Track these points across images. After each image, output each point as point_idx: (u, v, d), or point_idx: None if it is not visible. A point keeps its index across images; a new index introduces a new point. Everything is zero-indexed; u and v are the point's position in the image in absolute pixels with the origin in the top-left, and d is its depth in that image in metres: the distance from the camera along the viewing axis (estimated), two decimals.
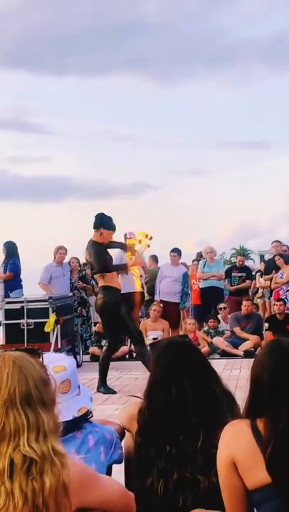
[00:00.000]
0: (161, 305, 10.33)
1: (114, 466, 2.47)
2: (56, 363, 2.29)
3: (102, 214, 7.26)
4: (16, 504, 1.53)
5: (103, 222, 7.16)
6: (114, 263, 7.60)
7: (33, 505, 1.54)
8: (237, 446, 1.82)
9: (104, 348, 7.37)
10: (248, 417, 1.88)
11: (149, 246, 8.05)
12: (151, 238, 7.88)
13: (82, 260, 11.63)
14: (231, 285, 11.97)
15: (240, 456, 1.81)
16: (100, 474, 1.86)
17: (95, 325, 10.84)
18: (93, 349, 10.01)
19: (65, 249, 10.50)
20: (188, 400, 2.21)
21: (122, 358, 9.73)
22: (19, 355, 1.68)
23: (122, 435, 2.54)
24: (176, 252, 11.01)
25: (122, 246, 7.78)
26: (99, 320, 10.50)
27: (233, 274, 12.08)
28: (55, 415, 1.67)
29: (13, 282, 10.30)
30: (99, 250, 7.12)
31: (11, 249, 10.56)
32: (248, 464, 1.80)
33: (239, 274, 12.06)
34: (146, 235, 7.83)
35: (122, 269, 7.83)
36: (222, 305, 11.27)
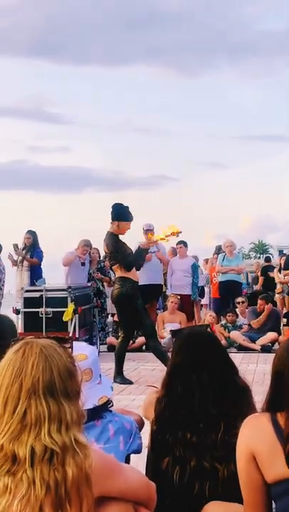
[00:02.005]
0: (179, 297, 10.32)
1: (132, 456, 2.49)
2: (78, 351, 2.30)
3: (119, 205, 7.21)
4: (37, 493, 1.54)
5: (119, 214, 7.13)
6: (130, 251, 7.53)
7: (55, 495, 1.55)
8: (257, 439, 1.83)
9: (120, 339, 7.37)
10: (268, 411, 1.89)
11: (168, 241, 7.91)
12: (178, 234, 7.66)
13: (103, 252, 11.68)
14: None
15: (260, 450, 1.81)
16: (122, 464, 1.87)
17: (112, 315, 10.87)
18: (110, 339, 10.03)
19: (90, 247, 10.43)
20: (207, 390, 2.22)
21: (139, 349, 9.76)
22: (47, 344, 1.67)
23: (141, 425, 2.56)
24: (183, 243, 10.95)
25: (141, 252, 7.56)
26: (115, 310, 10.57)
27: None
28: (79, 406, 1.67)
29: (37, 271, 10.42)
30: (116, 242, 7.11)
31: (36, 237, 10.67)
32: (267, 457, 1.80)
33: None
34: (175, 232, 7.55)
35: (141, 256, 7.55)
36: (240, 299, 11.23)
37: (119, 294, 7.11)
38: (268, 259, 17.43)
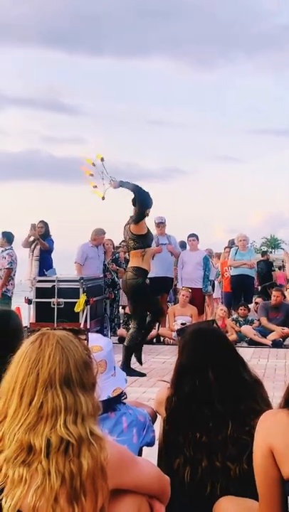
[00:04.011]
0: (190, 290, 10.30)
1: (144, 449, 2.49)
2: (93, 342, 2.30)
3: (148, 193, 7.11)
4: (52, 484, 1.54)
5: (145, 200, 7.04)
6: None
7: (70, 487, 1.55)
8: (275, 435, 1.82)
9: (132, 330, 7.34)
10: (286, 407, 1.87)
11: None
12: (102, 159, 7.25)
13: (116, 243, 11.70)
14: None
15: (277, 445, 1.80)
16: (137, 457, 1.87)
17: (123, 307, 10.88)
18: (121, 331, 10.04)
19: (104, 235, 10.52)
20: (213, 388, 2.20)
21: (149, 342, 9.76)
22: (63, 336, 1.67)
23: (154, 418, 2.56)
24: (195, 236, 10.91)
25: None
26: (126, 302, 10.58)
27: None
28: (95, 398, 1.67)
29: (48, 261, 10.46)
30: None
31: (47, 228, 10.76)
32: (285, 452, 1.79)
33: None
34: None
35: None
36: (258, 300, 11.20)
37: (135, 284, 7.07)
38: (264, 254, 17.33)
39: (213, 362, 2.24)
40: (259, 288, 13.79)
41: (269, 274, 15.36)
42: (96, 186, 7.27)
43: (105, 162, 7.22)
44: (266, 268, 15.47)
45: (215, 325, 2.51)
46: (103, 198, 7.22)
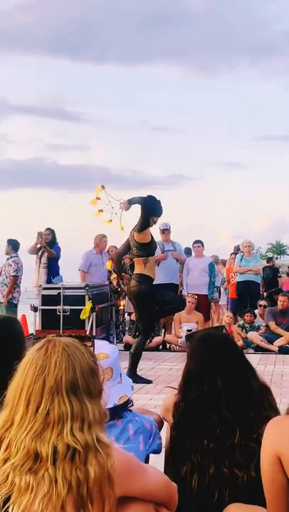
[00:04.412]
0: (196, 297, 10.28)
1: (151, 456, 2.48)
2: (99, 350, 2.30)
3: (157, 200, 7.13)
4: (59, 492, 1.53)
5: (152, 209, 7.05)
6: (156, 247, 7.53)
7: (77, 495, 1.53)
8: (282, 441, 1.81)
9: (139, 338, 7.33)
10: None
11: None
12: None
13: None
14: None
15: (285, 452, 1.79)
16: (144, 464, 1.86)
17: (129, 314, 10.87)
18: (127, 338, 10.04)
19: (107, 238, 10.57)
20: (221, 395, 2.19)
21: (155, 348, 9.75)
22: (69, 343, 1.67)
23: (160, 425, 2.55)
24: (200, 243, 10.92)
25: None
26: (132, 309, 10.57)
27: None
28: (101, 405, 1.66)
29: (55, 268, 10.49)
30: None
31: (54, 235, 10.82)
32: None
33: None
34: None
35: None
36: (262, 302, 11.17)
37: (138, 291, 7.08)
38: (269, 260, 17.30)
39: (221, 368, 2.23)
40: (265, 294, 13.75)
41: (275, 280, 15.34)
42: (102, 210, 7.42)
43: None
44: (272, 274, 15.45)
45: (224, 331, 2.50)
46: (110, 221, 7.40)
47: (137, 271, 7.21)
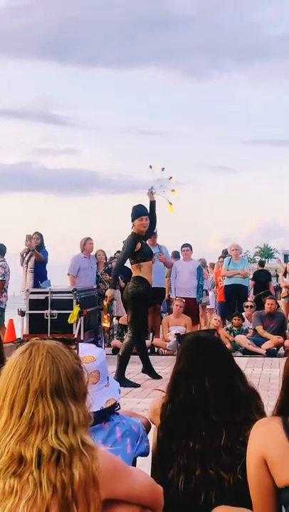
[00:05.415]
0: (184, 300, 10.29)
1: (138, 459, 2.47)
2: (86, 353, 2.29)
3: (133, 206, 7.44)
4: (44, 495, 1.52)
5: (132, 214, 7.38)
6: (150, 252, 7.64)
7: (62, 497, 1.53)
8: (268, 443, 1.81)
9: (127, 339, 7.36)
10: (279, 415, 1.86)
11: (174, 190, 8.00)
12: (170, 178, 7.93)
13: (109, 253, 11.72)
14: None
15: (271, 454, 1.79)
16: (130, 466, 1.85)
17: (118, 318, 10.86)
18: (115, 342, 10.02)
19: (92, 241, 10.58)
20: (208, 397, 2.19)
21: None
22: (53, 346, 1.66)
23: (148, 428, 2.54)
24: (188, 246, 10.95)
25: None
26: (121, 313, 10.57)
27: None
28: (86, 408, 1.65)
29: (42, 273, 10.47)
30: (128, 240, 7.32)
31: (42, 239, 10.83)
32: (279, 461, 1.78)
33: None
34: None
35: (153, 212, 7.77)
36: (249, 303, 11.19)
37: (135, 292, 7.22)
38: (261, 264, 17.33)
39: (210, 370, 2.23)
40: (253, 297, 13.77)
41: (268, 284, 15.35)
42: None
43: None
44: (266, 277, 15.45)
45: (216, 334, 2.51)
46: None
47: (134, 274, 7.42)
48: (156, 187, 7.75)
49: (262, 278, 14.60)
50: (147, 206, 7.64)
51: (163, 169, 7.85)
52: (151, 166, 7.84)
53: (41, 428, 1.56)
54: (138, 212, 7.39)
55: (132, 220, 7.36)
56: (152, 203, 7.67)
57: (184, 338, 2.43)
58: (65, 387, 1.61)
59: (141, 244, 7.32)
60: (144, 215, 7.40)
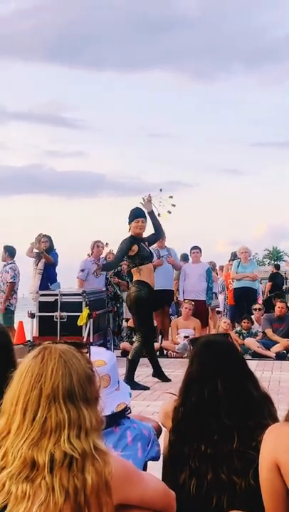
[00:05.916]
0: (193, 303, 10.27)
1: (149, 463, 2.46)
2: (96, 357, 2.29)
3: (131, 209, 7.41)
4: (56, 500, 1.51)
5: (129, 217, 7.37)
6: (148, 254, 7.58)
7: (74, 502, 1.52)
8: (280, 448, 1.80)
9: (136, 343, 7.34)
10: None
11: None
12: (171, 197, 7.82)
13: None
14: None
15: (284, 459, 1.79)
16: (142, 471, 1.85)
17: (126, 321, 10.86)
18: (124, 344, 10.01)
19: (102, 244, 10.57)
20: (220, 400, 2.18)
21: None
22: (66, 350, 1.66)
23: (159, 432, 2.53)
24: (198, 249, 10.91)
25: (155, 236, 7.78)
26: (130, 316, 10.56)
27: None
28: (98, 412, 1.65)
29: (52, 275, 10.46)
30: (124, 242, 7.31)
31: (51, 241, 10.78)
32: None
33: None
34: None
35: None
36: (257, 306, 11.15)
37: (138, 296, 7.18)
38: (277, 267, 17.30)
39: (223, 374, 2.22)
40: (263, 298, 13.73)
41: (282, 286, 15.32)
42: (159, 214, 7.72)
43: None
44: (281, 280, 15.42)
45: (229, 337, 2.50)
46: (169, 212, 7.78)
47: (135, 278, 7.37)
48: (156, 203, 7.64)
49: (278, 280, 14.59)
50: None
51: (171, 197, 7.77)
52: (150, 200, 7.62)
53: (54, 433, 1.56)
54: (134, 214, 7.35)
55: (129, 223, 7.34)
56: (148, 214, 7.51)
57: (197, 342, 2.43)
58: (78, 392, 1.61)
59: (138, 248, 7.26)
60: (141, 217, 7.35)
